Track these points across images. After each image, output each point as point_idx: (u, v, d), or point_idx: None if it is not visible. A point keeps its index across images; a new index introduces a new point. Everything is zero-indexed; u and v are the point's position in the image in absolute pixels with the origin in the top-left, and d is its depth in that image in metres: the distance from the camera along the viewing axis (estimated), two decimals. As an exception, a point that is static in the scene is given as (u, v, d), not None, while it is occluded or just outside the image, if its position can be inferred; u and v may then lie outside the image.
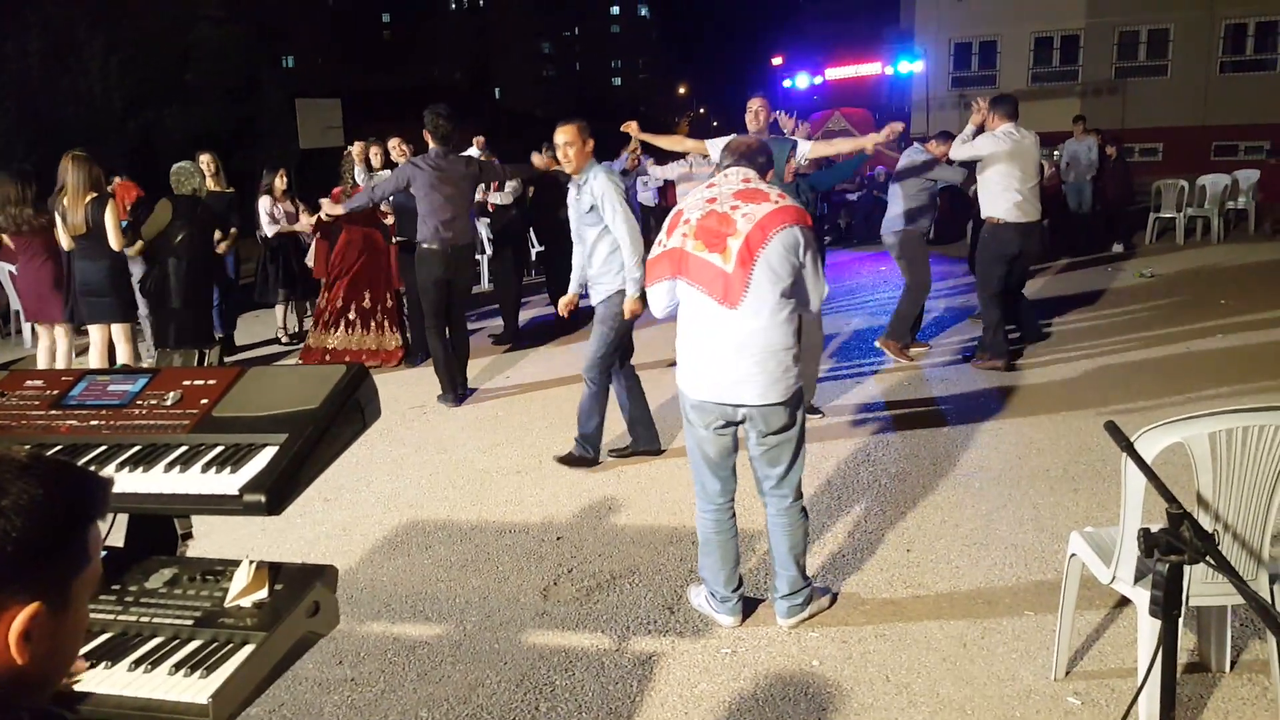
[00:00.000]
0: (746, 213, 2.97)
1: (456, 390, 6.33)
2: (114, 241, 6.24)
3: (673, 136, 6.40)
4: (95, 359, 6.62)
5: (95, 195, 6.24)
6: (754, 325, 2.97)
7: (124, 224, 6.68)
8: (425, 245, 6.06)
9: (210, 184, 7.56)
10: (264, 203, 8.60)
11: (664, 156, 8.42)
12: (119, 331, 6.54)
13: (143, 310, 7.56)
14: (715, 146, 5.92)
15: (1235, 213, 12.72)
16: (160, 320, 6.89)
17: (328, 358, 7.42)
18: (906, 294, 6.90)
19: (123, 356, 6.56)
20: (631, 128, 6.30)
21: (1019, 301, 6.77)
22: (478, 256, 9.18)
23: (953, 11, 23.40)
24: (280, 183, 8.57)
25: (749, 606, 3.38)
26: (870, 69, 27.38)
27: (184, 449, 1.63)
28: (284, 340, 8.74)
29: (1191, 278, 9.54)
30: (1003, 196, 6.15)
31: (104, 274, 6.36)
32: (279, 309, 8.77)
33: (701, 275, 2.98)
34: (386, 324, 7.55)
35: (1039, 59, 23.51)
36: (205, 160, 7.78)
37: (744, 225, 2.95)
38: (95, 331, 6.59)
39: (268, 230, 8.58)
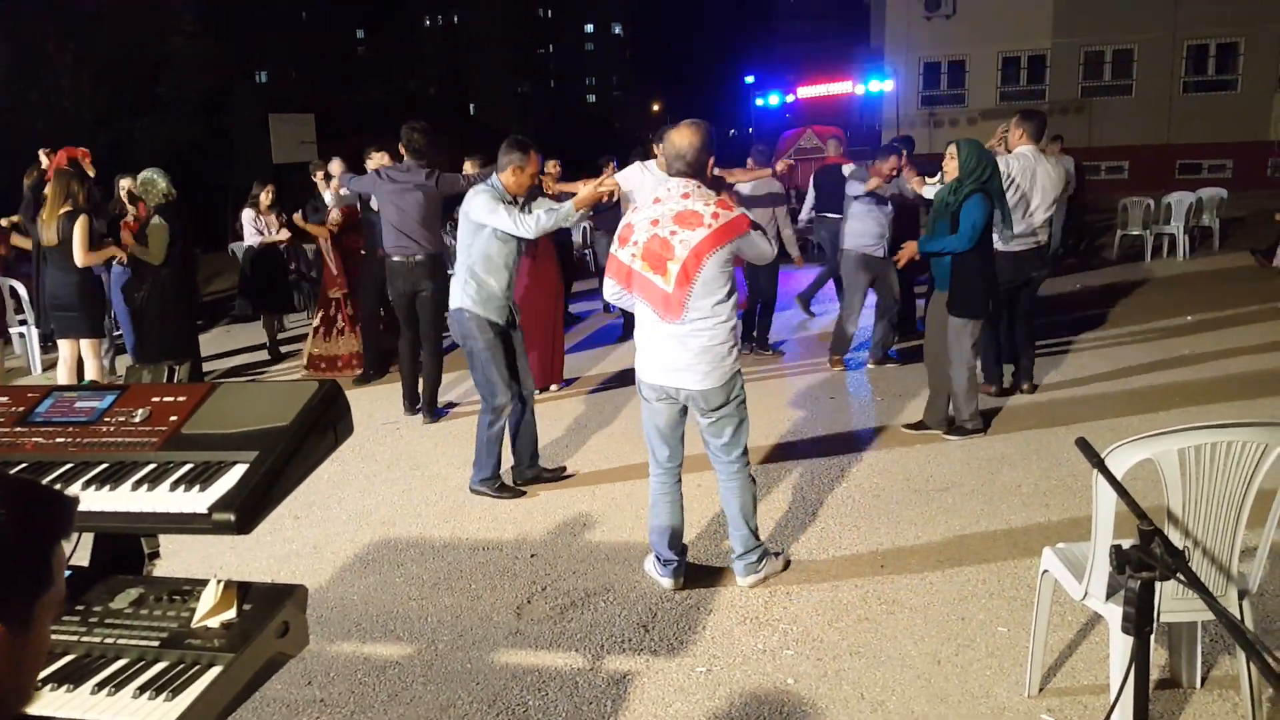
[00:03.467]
0: (683, 239, 3.33)
1: (415, 402, 6.34)
2: (79, 257, 6.17)
3: (573, 184, 6.68)
4: (64, 374, 6.54)
5: (69, 209, 6.19)
6: (692, 328, 3.38)
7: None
8: (394, 258, 6.10)
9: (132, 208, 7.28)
10: (248, 215, 8.55)
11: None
12: (87, 347, 6.45)
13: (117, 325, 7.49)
14: (624, 178, 6.04)
15: (1200, 230, 12.94)
16: (147, 332, 6.75)
17: (355, 363, 7.62)
18: (840, 311, 7.22)
19: (91, 372, 6.48)
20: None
21: (1017, 327, 6.36)
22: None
23: (922, 32, 23.70)
24: (266, 197, 8.53)
25: (716, 621, 3.37)
26: (841, 88, 27.66)
27: (152, 467, 1.60)
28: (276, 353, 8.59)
29: (1157, 295, 9.68)
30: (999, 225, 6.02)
31: (73, 289, 6.29)
32: (264, 322, 8.66)
33: (646, 292, 3.40)
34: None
35: (1006, 78, 23.85)
36: (125, 185, 7.40)
37: (681, 251, 3.32)
38: (64, 347, 6.53)
39: (250, 241, 8.54)
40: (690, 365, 3.40)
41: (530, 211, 4.51)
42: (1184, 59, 22.33)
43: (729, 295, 3.42)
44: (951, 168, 5.18)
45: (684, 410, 3.59)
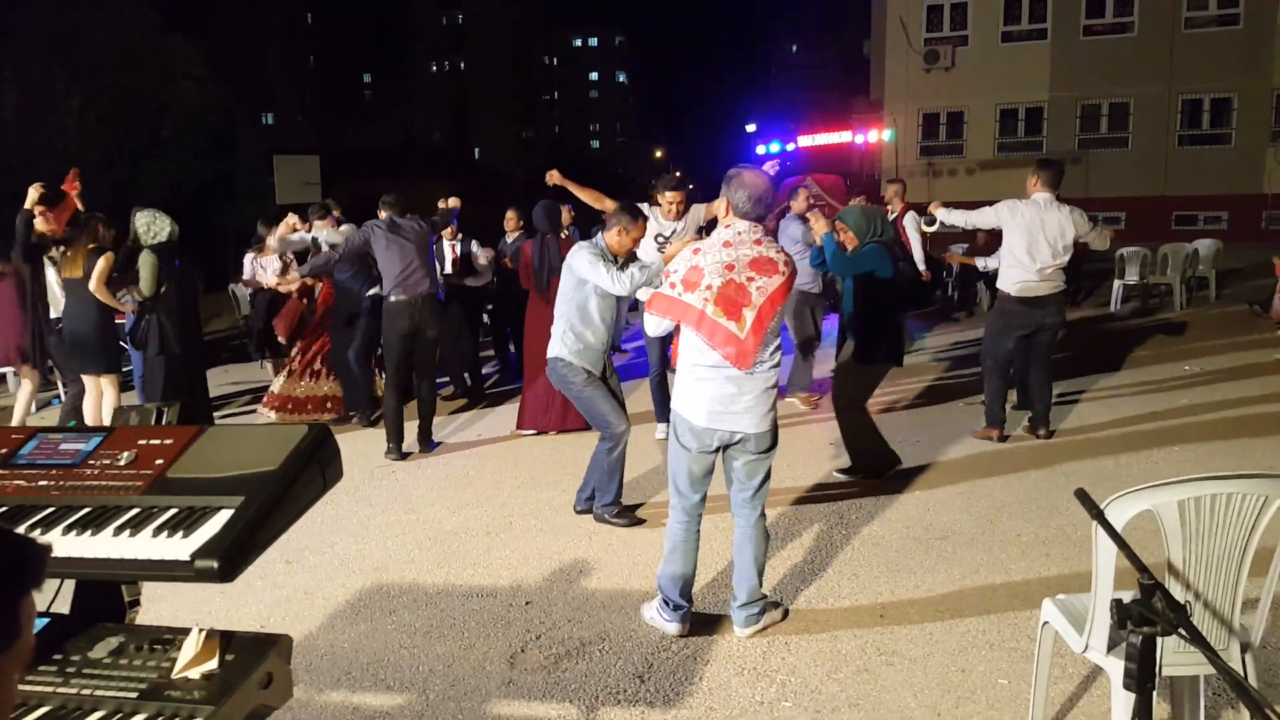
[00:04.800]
0: (760, 286, 3.36)
1: (401, 445, 6.40)
2: (93, 285, 6.36)
3: (593, 192, 6.57)
4: (89, 409, 6.75)
5: (94, 246, 6.43)
6: (754, 371, 3.40)
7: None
8: (392, 298, 6.25)
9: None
10: (248, 259, 8.51)
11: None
12: (106, 381, 6.65)
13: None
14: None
15: (1196, 280, 13.00)
16: (152, 371, 6.68)
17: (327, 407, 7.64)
18: (795, 351, 7.51)
19: (109, 404, 6.64)
20: (554, 176, 6.67)
21: (1032, 375, 6.38)
22: None
23: (921, 84, 24.02)
24: (272, 240, 8.38)
25: (713, 672, 3.32)
26: (841, 137, 27.97)
27: (136, 511, 1.57)
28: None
29: (1156, 345, 9.68)
30: (1011, 271, 5.96)
31: (92, 325, 6.49)
32: (269, 367, 8.62)
33: (718, 338, 3.36)
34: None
35: (1005, 129, 24.14)
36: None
37: (758, 298, 3.34)
38: (87, 382, 6.72)
39: (245, 279, 8.52)
40: (749, 408, 3.43)
41: (625, 269, 4.72)
42: (1179, 113, 22.63)
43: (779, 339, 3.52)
44: (848, 238, 5.44)
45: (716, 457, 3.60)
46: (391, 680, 3.41)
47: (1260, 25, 21.33)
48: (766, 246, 3.44)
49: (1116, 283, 12.53)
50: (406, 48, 65.73)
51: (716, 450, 3.54)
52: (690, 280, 3.42)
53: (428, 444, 6.50)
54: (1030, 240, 5.85)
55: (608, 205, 6.31)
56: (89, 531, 1.52)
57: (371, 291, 6.99)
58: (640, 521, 4.92)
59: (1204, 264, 12.94)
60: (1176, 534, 2.33)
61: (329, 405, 7.50)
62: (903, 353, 5.92)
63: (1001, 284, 6.12)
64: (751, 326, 3.33)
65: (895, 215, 8.93)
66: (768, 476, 3.60)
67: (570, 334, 4.80)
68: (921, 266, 9.31)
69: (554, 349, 4.86)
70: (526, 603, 4.03)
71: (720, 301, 3.34)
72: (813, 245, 6.78)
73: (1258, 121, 21.76)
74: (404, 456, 6.35)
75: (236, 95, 26.79)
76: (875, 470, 5.51)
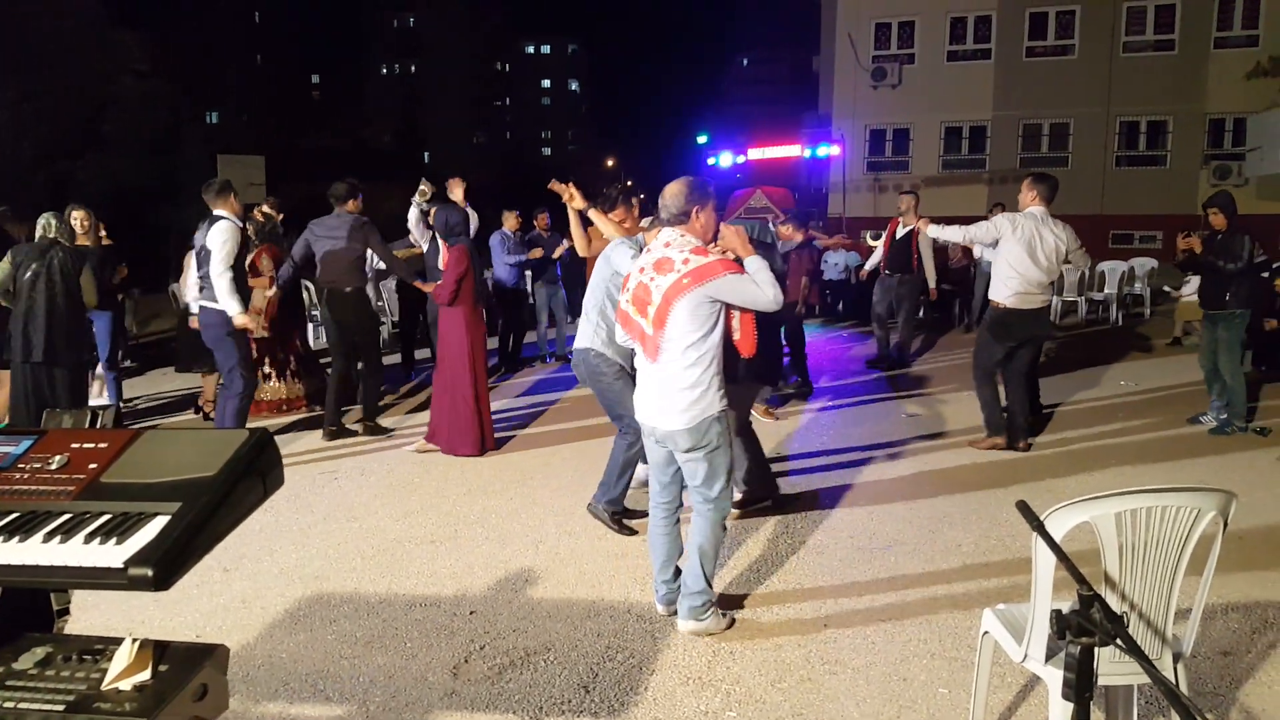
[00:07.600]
0: (658, 284, 3.53)
1: (339, 422, 6.95)
2: None
3: (603, 216, 5.44)
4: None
5: None
6: (667, 371, 3.54)
7: None
8: (363, 287, 6.94)
9: (83, 241, 7.02)
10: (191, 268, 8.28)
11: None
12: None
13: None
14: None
15: (1131, 298, 13.40)
16: (16, 379, 6.16)
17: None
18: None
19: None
20: (571, 194, 5.60)
21: (1011, 388, 6.45)
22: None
23: (868, 100, 24.40)
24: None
25: (658, 682, 3.31)
26: (790, 151, 28.25)
27: (67, 517, 1.52)
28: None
29: (1091, 361, 9.93)
30: (1007, 282, 6.03)
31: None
32: (204, 378, 8.34)
33: (633, 331, 3.67)
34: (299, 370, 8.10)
35: (949, 147, 24.63)
36: (79, 216, 7.13)
37: (655, 296, 3.54)
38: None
39: (188, 296, 8.22)
40: (664, 406, 3.56)
41: None
42: (1117, 134, 23.31)
43: (704, 338, 3.48)
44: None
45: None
46: (331, 691, 3.34)
47: (1194, 52, 22.09)
48: (674, 248, 3.55)
49: (1055, 299, 12.84)
50: (357, 49, 65.03)
51: (662, 443, 3.67)
52: (624, 284, 3.77)
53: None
54: (1030, 252, 5.96)
55: (611, 228, 5.34)
56: (17, 538, 1.47)
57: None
58: (633, 532, 4.84)
59: (1139, 282, 13.35)
60: (1113, 545, 2.38)
61: (286, 406, 7.85)
62: (775, 373, 5.86)
63: (997, 295, 6.14)
64: (653, 322, 3.52)
65: (909, 228, 8.97)
66: (711, 474, 3.60)
67: (603, 324, 4.86)
68: (931, 283, 9.43)
69: (584, 340, 4.90)
70: (471, 612, 3.99)
71: (634, 301, 3.64)
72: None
73: (1191, 144, 22.50)
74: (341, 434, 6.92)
75: (181, 92, 26.25)
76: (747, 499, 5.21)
